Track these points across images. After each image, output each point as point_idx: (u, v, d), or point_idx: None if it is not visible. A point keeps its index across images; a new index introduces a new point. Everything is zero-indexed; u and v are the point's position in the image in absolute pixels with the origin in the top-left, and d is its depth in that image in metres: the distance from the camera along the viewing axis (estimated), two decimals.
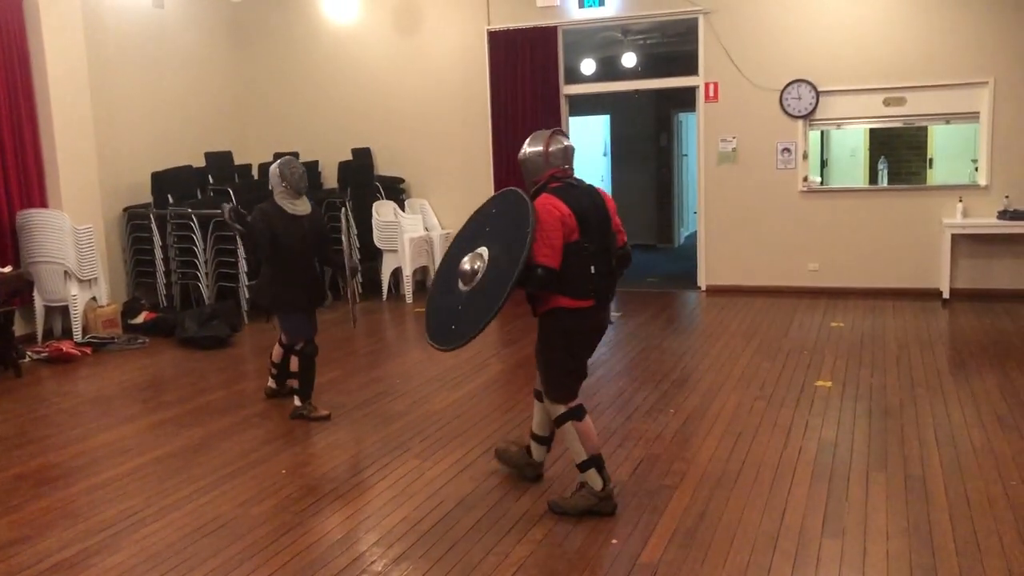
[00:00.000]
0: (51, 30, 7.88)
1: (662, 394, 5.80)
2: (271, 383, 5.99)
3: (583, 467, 3.91)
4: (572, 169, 4.03)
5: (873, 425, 5.04)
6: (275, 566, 3.56)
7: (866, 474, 4.31)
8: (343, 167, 10.17)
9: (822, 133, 11.57)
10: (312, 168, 10.31)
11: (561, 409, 3.94)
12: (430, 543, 3.71)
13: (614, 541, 3.67)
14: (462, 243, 4.00)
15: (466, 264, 3.82)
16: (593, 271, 3.82)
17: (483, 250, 3.80)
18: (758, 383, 5.96)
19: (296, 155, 10.13)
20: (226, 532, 3.87)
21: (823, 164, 12.35)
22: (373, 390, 6.15)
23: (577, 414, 3.94)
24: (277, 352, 5.86)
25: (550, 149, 3.96)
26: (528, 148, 4.02)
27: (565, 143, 4.01)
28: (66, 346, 7.41)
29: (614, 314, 3.64)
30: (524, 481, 4.33)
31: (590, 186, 4.04)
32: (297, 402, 5.56)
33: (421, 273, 10.06)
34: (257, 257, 5.40)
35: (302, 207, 5.47)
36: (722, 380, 6.07)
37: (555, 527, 3.82)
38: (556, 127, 4.14)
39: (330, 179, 10.43)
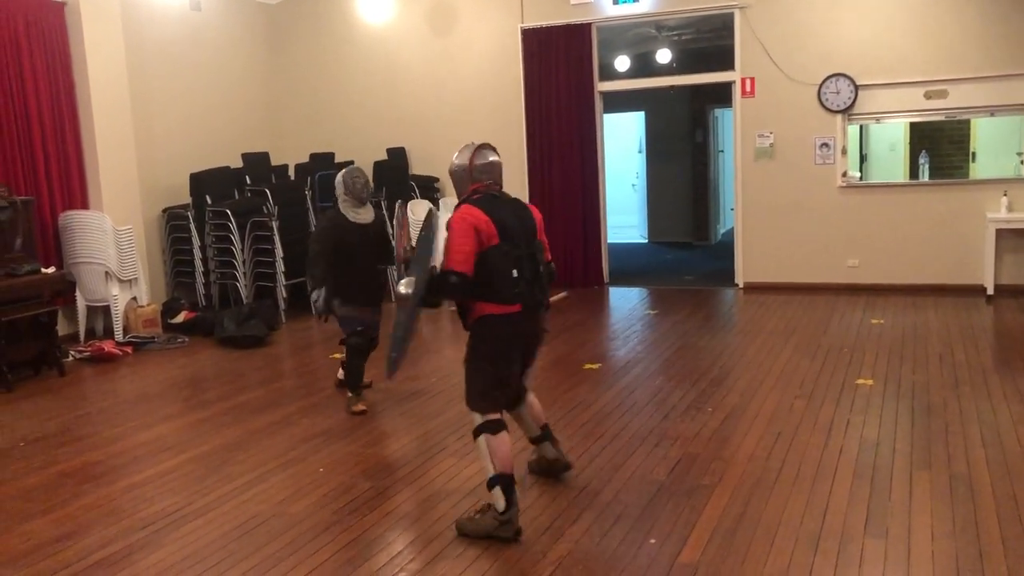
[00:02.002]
0: (92, 34, 8.01)
1: (699, 392, 5.75)
2: (341, 373, 6.07)
3: (490, 484, 3.73)
4: (497, 184, 3.98)
5: (916, 423, 4.95)
6: (313, 564, 3.58)
7: (909, 473, 4.23)
8: (378, 167, 10.21)
9: (861, 127, 11.41)
10: None
11: (479, 420, 3.81)
12: (467, 542, 3.70)
13: (652, 540, 3.64)
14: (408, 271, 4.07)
15: (401, 289, 3.84)
16: (516, 275, 3.74)
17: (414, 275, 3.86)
18: (797, 381, 5.88)
19: (333, 156, 10.23)
20: (265, 530, 3.90)
21: (862, 159, 12.18)
22: (409, 388, 6.16)
23: (493, 428, 3.80)
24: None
25: (475, 163, 3.94)
26: (455, 161, 4.02)
27: (491, 158, 3.97)
28: (108, 345, 7.52)
29: (561, 293, 3.57)
30: (556, 483, 4.31)
31: (516, 199, 3.99)
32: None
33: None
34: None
35: (365, 215, 5.65)
36: (761, 378, 6.00)
37: (592, 526, 3.79)
38: (484, 142, 4.05)
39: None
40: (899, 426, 4.93)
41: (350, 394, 5.70)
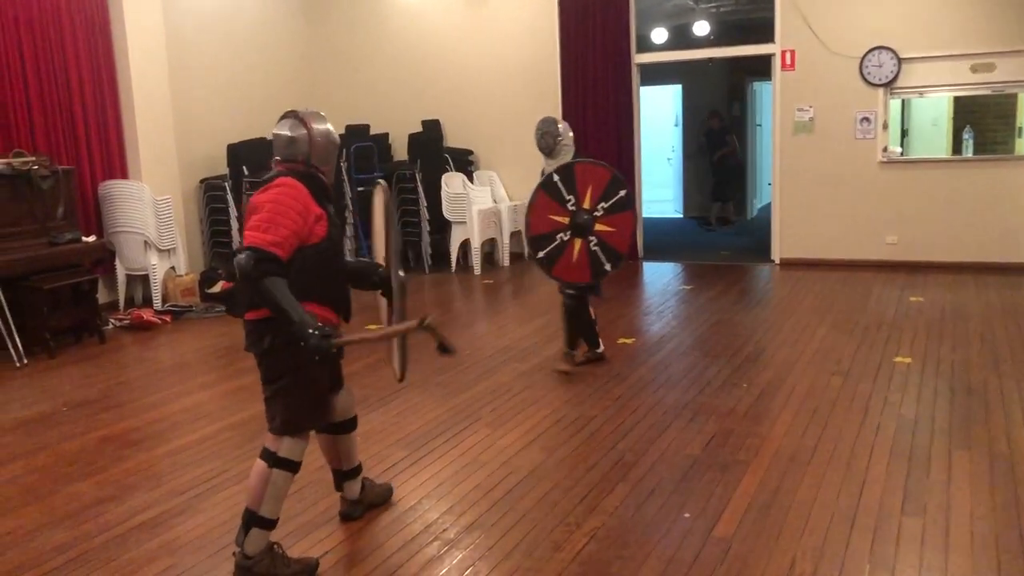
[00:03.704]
0: (132, 6, 8.06)
1: (735, 369, 5.71)
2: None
3: (265, 525, 3.26)
4: (273, 160, 3.41)
5: (955, 402, 4.89)
6: (349, 531, 3.62)
7: (948, 452, 4.18)
8: (413, 139, 10.22)
9: (903, 102, 11.19)
10: (382, 140, 10.39)
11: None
12: (502, 511, 3.73)
13: (687, 515, 3.63)
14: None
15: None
16: None
17: None
18: (834, 358, 5.82)
19: (368, 127, 10.24)
20: (301, 497, 3.94)
21: (903, 134, 11.96)
22: (443, 361, 6.14)
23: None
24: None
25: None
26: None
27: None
28: (147, 314, 7.63)
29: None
30: (590, 455, 4.32)
31: (266, 178, 3.34)
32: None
33: (489, 245, 10.07)
34: None
35: (550, 167, 5.57)
36: (796, 355, 5.94)
37: (626, 499, 3.80)
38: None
39: (400, 151, 10.49)
40: (938, 405, 4.87)
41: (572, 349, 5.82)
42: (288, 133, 3.30)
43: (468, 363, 6.09)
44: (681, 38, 11.49)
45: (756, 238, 10.84)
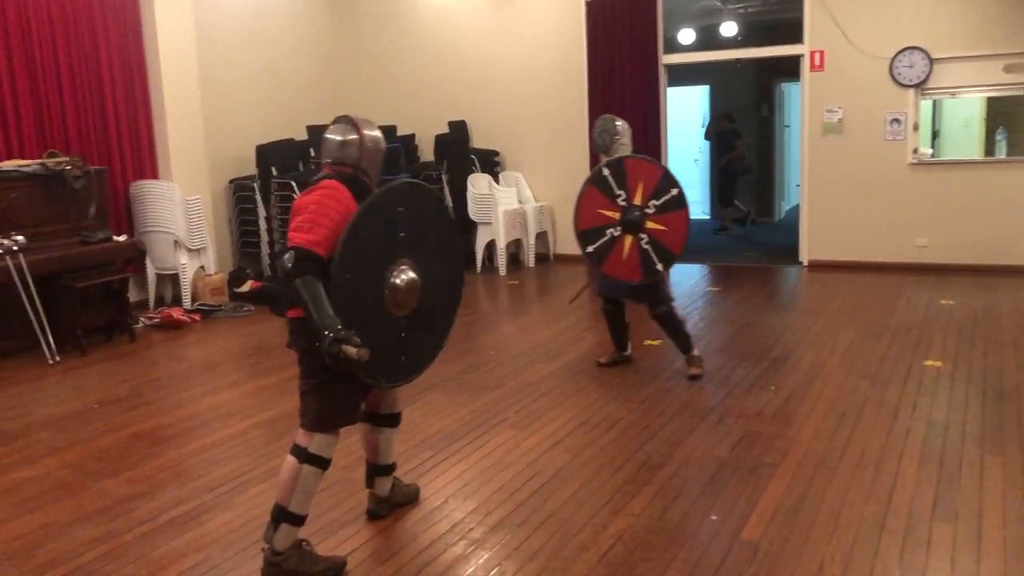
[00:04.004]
0: (163, 7, 8.15)
1: (762, 371, 5.68)
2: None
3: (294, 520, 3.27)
4: (323, 163, 3.46)
5: (987, 407, 4.82)
6: (375, 530, 3.64)
7: (980, 457, 4.13)
8: (439, 140, 10.24)
9: (934, 102, 11.07)
10: (409, 141, 10.43)
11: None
12: (527, 512, 3.73)
13: (714, 517, 3.62)
14: (368, 260, 3.24)
15: (398, 282, 3.31)
16: None
17: (404, 263, 3.34)
18: (863, 362, 5.77)
19: (395, 128, 10.28)
20: (328, 495, 3.96)
21: (934, 135, 11.83)
22: (468, 361, 6.20)
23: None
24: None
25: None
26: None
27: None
28: (176, 313, 7.71)
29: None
30: (616, 457, 4.31)
31: (314, 180, 3.37)
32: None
33: (515, 246, 10.08)
34: None
35: None
36: (825, 358, 5.90)
37: (653, 501, 3.79)
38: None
39: (427, 152, 10.52)
40: (969, 409, 4.81)
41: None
42: (340, 137, 3.37)
43: (493, 364, 6.10)
44: (709, 39, 11.44)
45: (784, 240, 10.76)
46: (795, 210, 10.76)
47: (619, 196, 5.33)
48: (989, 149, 11.20)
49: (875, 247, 9.07)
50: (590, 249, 5.43)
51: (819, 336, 6.51)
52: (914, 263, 8.89)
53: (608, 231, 5.37)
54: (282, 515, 3.25)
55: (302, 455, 3.27)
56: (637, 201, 5.32)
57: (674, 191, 5.33)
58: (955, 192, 8.76)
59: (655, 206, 5.32)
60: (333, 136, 3.38)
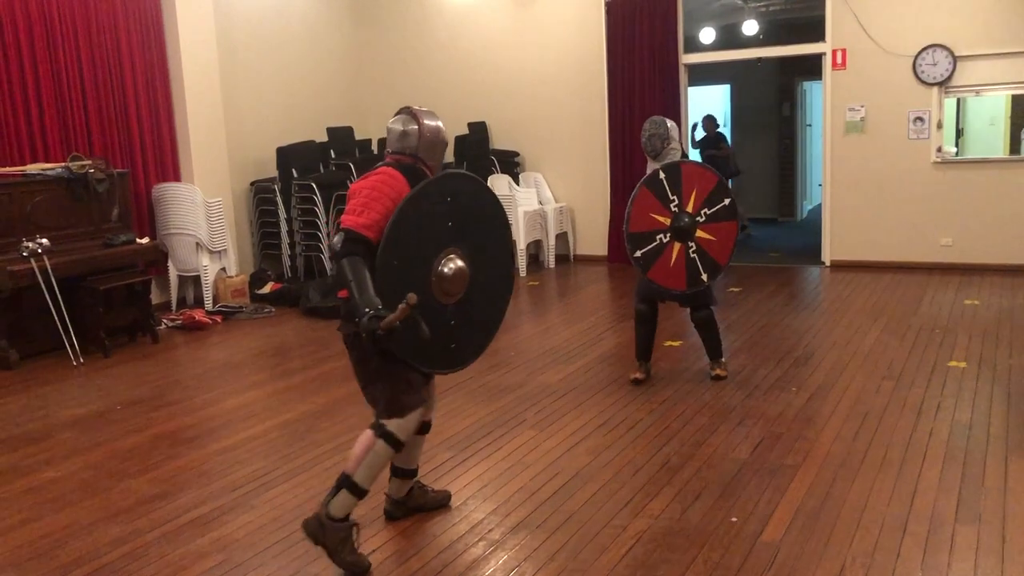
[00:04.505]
0: (184, 11, 8.22)
1: (784, 372, 5.64)
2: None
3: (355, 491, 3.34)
4: (387, 152, 3.58)
5: (1013, 408, 4.77)
6: (396, 530, 3.65)
7: (1005, 459, 4.08)
8: (459, 141, 10.25)
9: (958, 101, 10.96)
10: None
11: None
12: (547, 513, 3.73)
13: (734, 519, 3.60)
14: (414, 246, 3.28)
15: (446, 270, 3.34)
16: None
17: (453, 251, 3.37)
18: (886, 362, 5.72)
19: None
20: None
21: (958, 134, 11.71)
22: (488, 362, 6.18)
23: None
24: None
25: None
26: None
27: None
28: (198, 314, 7.77)
29: None
30: (636, 458, 4.30)
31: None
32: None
33: (535, 247, 10.07)
34: None
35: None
36: (847, 359, 5.85)
37: (672, 502, 3.77)
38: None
39: (447, 153, 10.51)
40: (994, 410, 4.75)
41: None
42: (400, 127, 3.51)
43: (513, 365, 6.10)
44: (730, 38, 11.38)
45: (806, 240, 10.69)
46: (817, 210, 10.70)
47: (672, 201, 5.27)
48: (1014, 147, 11.07)
49: (898, 247, 8.99)
50: (638, 254, 5.33)
51: (841, 337, 6.46)
52: (938, 263, 8.80)
53: (658, 236, 5.30)
54: (345, 483, 3.31)
55: (379, 430, 3.33)
56: (689, 208, 5.28)
57: (727, 201, 5.28)
58: (980, 191, 8.67)
59: (706, 214, 5.27)
60: (394, 126, 3.53)
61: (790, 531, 3.47)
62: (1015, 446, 4.23)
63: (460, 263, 3.37)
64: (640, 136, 5.45)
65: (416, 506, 3.81)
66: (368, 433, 3.35)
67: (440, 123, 3.57)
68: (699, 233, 5.28)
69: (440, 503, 3.86)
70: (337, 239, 3.22)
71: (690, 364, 5.90)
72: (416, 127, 3.48)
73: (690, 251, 5.29)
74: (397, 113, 3.58)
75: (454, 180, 3.51)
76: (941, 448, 4.25)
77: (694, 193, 5.25)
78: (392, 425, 3.33)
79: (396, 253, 3.20)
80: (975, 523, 3.47)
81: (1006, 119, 11.57)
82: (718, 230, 5.29)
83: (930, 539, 3.36)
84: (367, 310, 3.05)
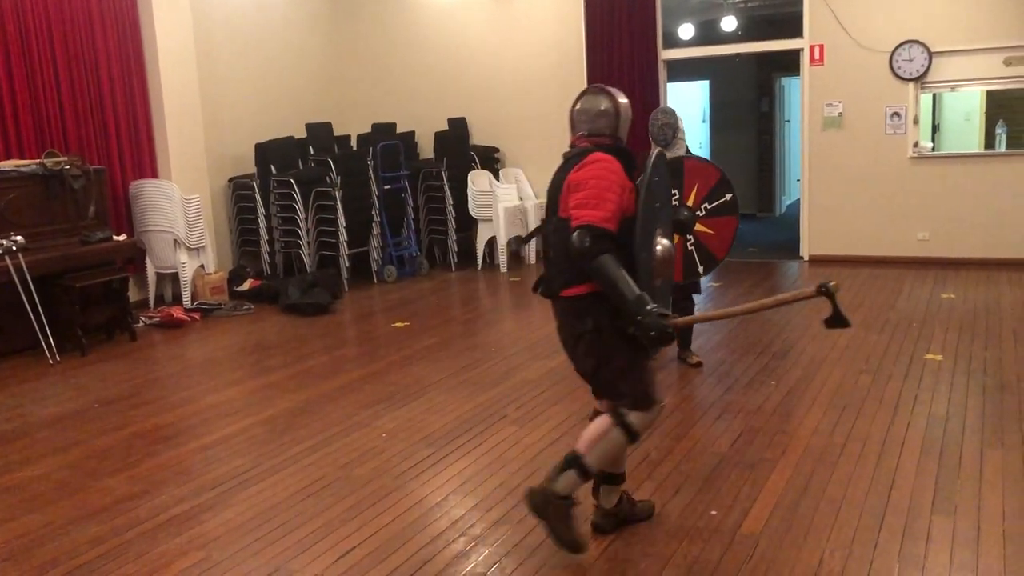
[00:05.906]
0: (161, 7, 8.14)
1: (763, 366, 5.67)
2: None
3: (583, 472, 3.27)
4: (577, 137, 3.38)
5: (988, 400, 4.82)
6: (376, 527, 3.64)
7: (980, 451, 4.13)
8: (439, 137, 10.23)
9: (934, 96, 11.05)
10: (409, 138, 10.42)
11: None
12: (526, 508, 3.72)
13: (713, 512, 3.62)
14: (649, 231, 3.22)
15: (658, 250, 3.30)
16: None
17: (659, 232, 3.33)
18: (863, 356, 5.77)
19: (395, 126, 10.27)
20: (329, 493, 3.98)
21: (934, 129, 11.82)
22: (469, 357, 6.20)
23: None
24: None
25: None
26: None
27: (577, 105, 3.43)
28: (176, 312, 7.71)
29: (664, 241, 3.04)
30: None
31: (577, 153, 3.29)
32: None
33: (515, 243, 10.07)
34: None
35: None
36: (825, 353, 5.89)
37: (652, 496, 3.78)
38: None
39: (426, 149, 10.52)
40: (970, 403, 4.80)
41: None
42: (595, 107, 3.29)
43: (494, 360, 6.10)
44: (709, 33, 11.43)
45: (784, 235, 10.75)
46: (796, 205, 10.76)
47: (673, 195, 5.29)
48: (989, 142, 11.19)
49: (876, 241, 9.06)
50: None
51: (820, 330, 6.47)
52: (915, 257, 8.88)
53: None
54: (574, 462, 3.22)
55: (618, 417, 3.23)
56: (690, 203, 5.29)
57: (728, 196, 5.31)
58: (956, 186, 8.75)
59: (707, 209, 5.30)
60: (588, 106, 3.31)
61: (769, 524, 3.49)
62: (990, 438, 4.28)
63: (667, 241, 3.33)
64: (649, 126, 5.43)
65: (625, 517, 3.55)
66: (607, 418, 3.25)
67: (628, 100, 3.39)
68: (698, 227, 5.32)
69: (648, 513, 3.61)
70: (581, 236, 3.02)
71: (670, 358, 5.92)
72: (611, 106, 3.28)
73: (688, 244, 5.33)
74: (584, 92, 3.36)
75: (661, 160, 3.38)
76: (918, 440, 4.29)
77: (696, 188, 5.30)
78: (634, 417, 3.22)
79: (644, 243, 3.13)
80: (951, 514, 3.51)
81: (981, 114, 11.69)
82: (718, 224, 5.34)
83: (907, 530, 3.39)
84: (651, 307, 2.96)
